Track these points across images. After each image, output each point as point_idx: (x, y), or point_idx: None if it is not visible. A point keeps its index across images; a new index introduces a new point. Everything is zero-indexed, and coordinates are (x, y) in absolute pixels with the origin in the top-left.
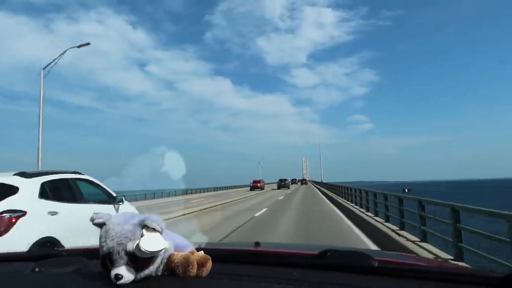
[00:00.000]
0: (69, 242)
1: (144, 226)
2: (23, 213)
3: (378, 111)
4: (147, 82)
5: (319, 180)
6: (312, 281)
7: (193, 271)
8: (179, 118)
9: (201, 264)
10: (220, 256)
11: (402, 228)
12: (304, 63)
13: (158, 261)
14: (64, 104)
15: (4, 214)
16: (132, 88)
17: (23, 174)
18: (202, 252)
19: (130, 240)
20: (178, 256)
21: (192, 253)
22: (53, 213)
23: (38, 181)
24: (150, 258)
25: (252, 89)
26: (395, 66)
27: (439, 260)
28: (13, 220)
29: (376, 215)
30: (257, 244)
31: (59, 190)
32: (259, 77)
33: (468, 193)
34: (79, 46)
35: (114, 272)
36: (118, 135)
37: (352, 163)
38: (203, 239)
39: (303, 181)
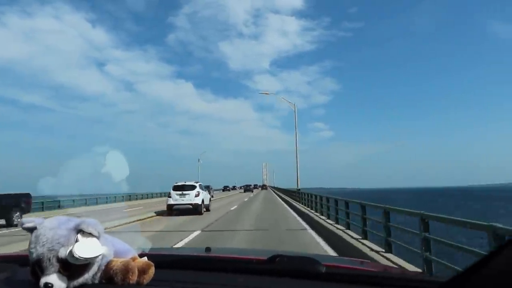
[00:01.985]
0: None
1: (79, 230)
2: None
3: (337, 119)
4: (105, 82)
5: (278, 185)
6: (259, 287)
7: (133, 278)
8: (137, 120)
9: (142, 271)
10: (166, 262)
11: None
12: (267, 69)
13: (94, 268)
14: (15, 102)
15: None
16: (89, 88)
17: None
18: (145, 258)
19: (63, 245)
20: (118, 262)
21: (133, 259)
22: None
23: None
24: (85, 265)
25: (215, 93)
26: (355, 76)
27: (388, 266)
28: None
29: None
30: (207, 249)
31: None
32: (222, 81)
33: (435, 202)
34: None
35: (43, 280)
36: (73, 136)
37: (312, 169)
38: (147, 245)
39: (263, 187)
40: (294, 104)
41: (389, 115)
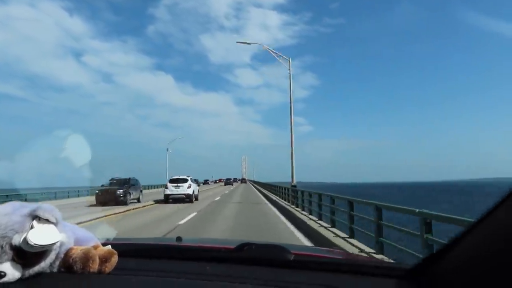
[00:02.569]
0: None
1: (35, 217)
2: None
3: (317, 114)
4: (83, 73)
5: (257, 180)
6: (227, 274)
7: (94, 266)
8: (116, 112)
9: (104, 259)
10: (131, 251)
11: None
12: (248, 63)
13: (52, 256)
14: None
15: None
16: (65, 79)
17: None
18: (109, 246)
19: (17, 232)
20: (78, 250)
21: (95, 247)
22: None
23: None
24: (41, 252)
25: (195, 87)
26: (335, 71)
27: (357, 254)
28: None
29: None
30: (178, 239)
31: None
32: (203, 74)
33: (409, 196)
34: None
35: None
36: (48, 127)
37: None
38: (111, 233)
39: (243, 180)
40: (289, 60)
41: (368, 111)
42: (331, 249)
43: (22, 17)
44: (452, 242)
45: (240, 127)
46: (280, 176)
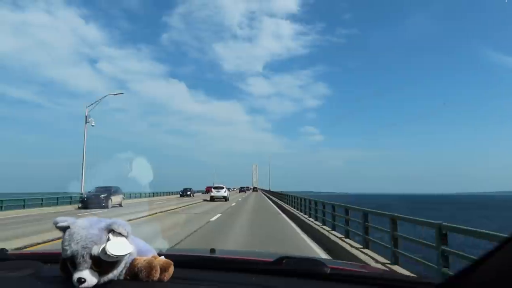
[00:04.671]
0: None
1: (110, 230)
2: None
3: (328, 124)
4: (97, 80)
5: (268, 189)
6: (269, 285)
7: (156, 275)
8: (128, 119)
9: (163, 269)
10: (181, 261)
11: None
12: (260, 72)
13: (122, 265)
14: (3, 96)
15: None
16: (80, 85)
17: None
18: (163, 257)
19: (96, 244)
20: (141, 260)
21: (154, 258)
22: None
23: None
24: (114, 262)
25: (207, 95)
26: (346, 81)
27: (383, 267)
28: None
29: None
30: (212, 250)
31: None
32: (215, 83)
33: (434, 210)
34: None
35: (76, 275)
36: (62, 133)
37: (302, 173)
38: (164, 245)
39: (254, 189)
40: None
41: (381, 122)
42: (363, 264)
43: (39, 24)
44: (483, 258)
45: (251, 135)
46: (297, 185)
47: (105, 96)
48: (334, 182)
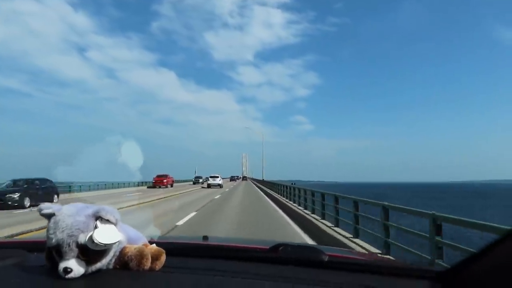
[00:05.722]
0: None
1: (98, 217)
2: None
3: (318, 113)
4: (86, 69)
5: (258, 178)
6: (266, 273)
7: (147, 264)
8: (118, 108)
9: (155, 257)
10: (173, 249)
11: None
12: (250, 61)
13: (111, 254)
14: None
15: None
16: (68, 74)
17: None
18: (154, 245)
19: (82, 232)
20: (132, 249)
21: (145, 246)
22: None
23: None
24: (102, 251)
25: (197, 84)
26: (337, 71)
27: (379, 255)
28: None
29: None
30: (205, 238)
31: None
32: (205, 71)
33: (434, 199)
34: None
35: (62, 265)
36: (51, 122)
37: (291, 162)
38: (155, 232)
39: (244, 178)
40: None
41: (371, 111)
42: (359, 251)
43: (27, 12)
44: (484, 249)
45: (241, 124)
46: (286, 174)
47: None
48: (323, 171)
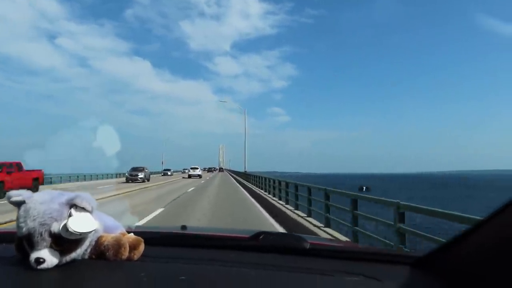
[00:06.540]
0: None
1: (72, 205)
2: None
3: (294, 105)
4: (57, 56)
5: (236, 169)
6: (248, 261)
7: (125, 253)
8: (91, 98)
9: (133, 246)
10: (151, 238)
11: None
12: (227, 51)
13: (86, 244)
14: None
15: None
16: (39, 62)
17: None
18: (132, 234)
19: (56, 220)
20: (109, 238)
21: (123, 235)
22: None
23: None
24: (77, 240)
25: (173, 73)
26: (314, 62)
27: (368, 246)
28: None
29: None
30: (183, 227)
31: None
32: (181, 61)
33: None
34: None
35: (34, 255)
36: (21, 112)
37: (268, 153)
38: (133, 221)
39: (221, 169)
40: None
41: (347, 103)
42: (340, 240)
43: None
44: (463, 234)
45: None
46: (262, 166)
47: None
48: (300, 162)
